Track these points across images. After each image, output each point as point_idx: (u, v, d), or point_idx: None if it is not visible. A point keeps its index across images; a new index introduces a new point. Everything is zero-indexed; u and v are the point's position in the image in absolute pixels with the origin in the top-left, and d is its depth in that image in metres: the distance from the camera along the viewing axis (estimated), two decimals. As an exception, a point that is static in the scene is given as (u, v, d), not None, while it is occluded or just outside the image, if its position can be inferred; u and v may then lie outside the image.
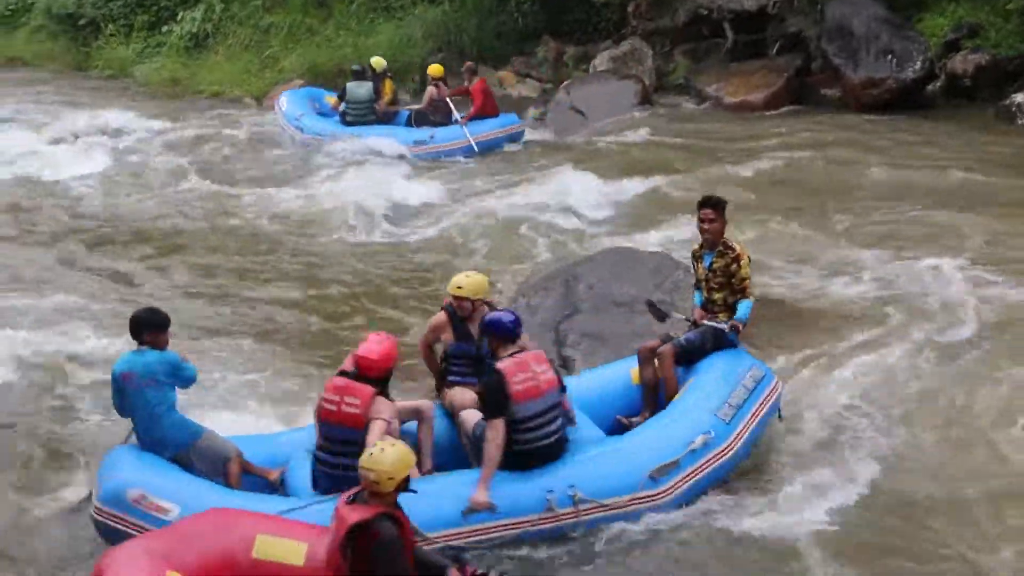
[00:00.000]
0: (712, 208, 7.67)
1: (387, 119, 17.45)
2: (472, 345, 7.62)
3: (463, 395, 7.43)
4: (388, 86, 17.89)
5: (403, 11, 22.79)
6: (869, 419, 7.93)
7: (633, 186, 14.37)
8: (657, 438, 7.00)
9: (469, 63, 18.16)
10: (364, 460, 5.62)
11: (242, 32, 24.23)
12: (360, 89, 17.38)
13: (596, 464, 6.82)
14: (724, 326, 7.64)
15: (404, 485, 5.66)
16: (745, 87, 18.47)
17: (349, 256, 12.76)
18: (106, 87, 24.65)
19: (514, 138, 17.25)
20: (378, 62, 17.95)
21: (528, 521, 6.65)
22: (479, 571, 6.00)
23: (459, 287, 7.58)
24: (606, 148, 16.75)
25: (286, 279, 12.08)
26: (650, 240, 11.96)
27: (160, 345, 7.13)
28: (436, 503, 6.48)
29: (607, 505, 6.73)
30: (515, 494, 6.63)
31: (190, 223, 14.25)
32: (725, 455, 7.12)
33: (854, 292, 10.34)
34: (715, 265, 7.70)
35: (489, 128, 16.90)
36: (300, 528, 5.91)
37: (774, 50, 19.03)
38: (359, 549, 5.48)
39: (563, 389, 7.04)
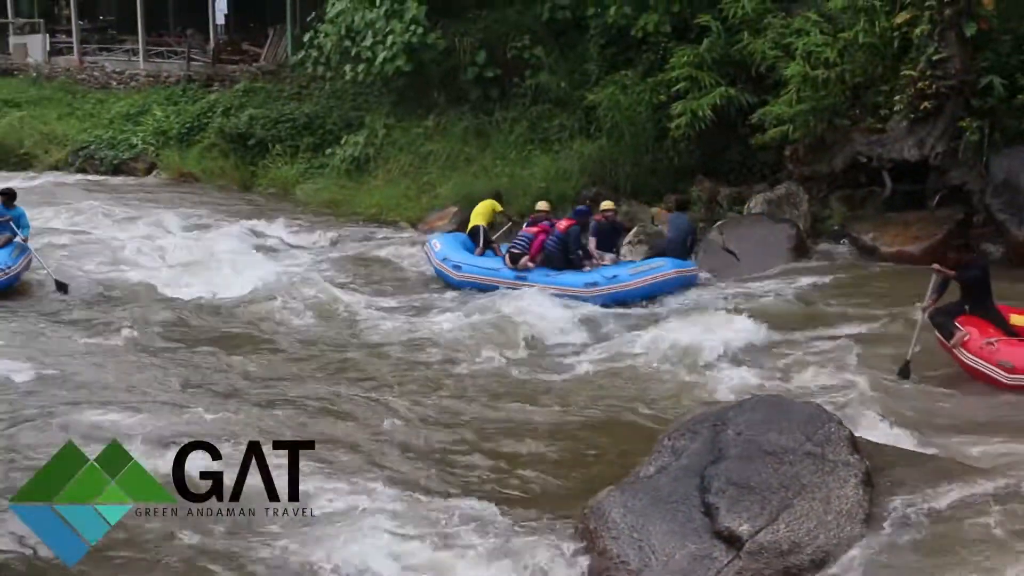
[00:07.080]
0: None
1: None
2: None
3: None
4: None
5: (560, 144, 23.13)
6: None
7: (783, 332, 14.14)
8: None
9: None
10: None
11: (402, 158, 24.99)
12: None
13: None
14: None
15: None
16: (903, 237, 17.96)
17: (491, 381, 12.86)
18: (269, 205, 25.57)
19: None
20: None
21: None
22: None
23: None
24: (757, 291, 16.48)
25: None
26: (801, 389, 11.68)
27: None
28: None
29: None
30: None
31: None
32: None
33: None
34: None
35: None
36: None
37: (934, 202, 18.54)
38: None
39: None
